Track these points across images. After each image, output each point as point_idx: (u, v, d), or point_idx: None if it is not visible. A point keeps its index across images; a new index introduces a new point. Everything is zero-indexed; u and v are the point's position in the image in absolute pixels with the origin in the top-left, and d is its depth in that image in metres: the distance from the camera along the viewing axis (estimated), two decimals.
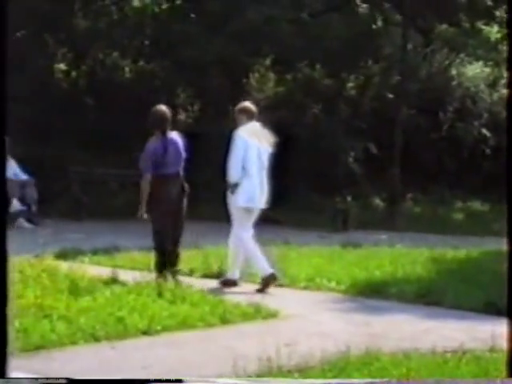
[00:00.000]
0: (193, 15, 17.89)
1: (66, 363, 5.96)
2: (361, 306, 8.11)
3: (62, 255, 10.15)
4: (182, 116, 17.46)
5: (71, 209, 15.49)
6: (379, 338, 6.47)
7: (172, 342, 6.59)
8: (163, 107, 9.01)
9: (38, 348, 6.20)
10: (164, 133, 8.82)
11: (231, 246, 9.07)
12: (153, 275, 8.63)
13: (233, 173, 8.89)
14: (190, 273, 9.42)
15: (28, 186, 14.62)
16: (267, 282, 8.72)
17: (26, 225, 14.18)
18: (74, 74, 17.70)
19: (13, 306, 6.83)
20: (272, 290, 8.71)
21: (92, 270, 8.97)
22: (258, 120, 9.07)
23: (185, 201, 8.97)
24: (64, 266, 8.74)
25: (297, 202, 15.96)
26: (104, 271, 8.89)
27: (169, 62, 17.63)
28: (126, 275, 8.90)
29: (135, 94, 17.20)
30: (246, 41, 16.77)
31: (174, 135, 8.96)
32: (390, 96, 18.03)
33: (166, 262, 8.72)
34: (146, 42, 18.28)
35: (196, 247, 10.72)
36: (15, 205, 14.29)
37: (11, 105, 15.69)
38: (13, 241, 11.11)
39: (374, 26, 18.12)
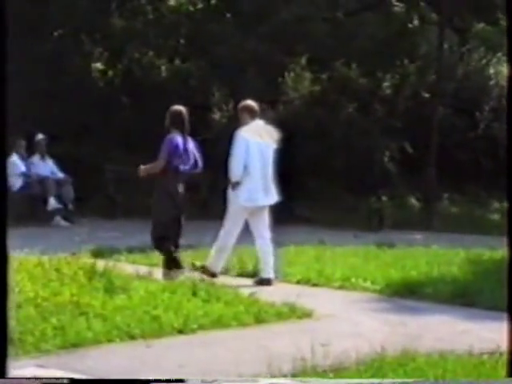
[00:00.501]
0: (228, 14, 17.91)
1: (102, 361, 5.99)
2: (396, 306, 8.07)
3: (98, 253, 10.21)
4: (216, 115, 17.48)
5: (106, 207, 15.58)
6: (415, 338, 6.43)
7: (207, 340, 6.59)
8: (181, 107, 9.20)
9: (75, 346, 6.24)
10: (182, 132, 9.05)
11: (259, 246, 9.14)
12: (188, 273, 8.67)
13: (234, 172, 9.04)
14: (225, 272, 9.43)
15: (64, 184, 14.73)
16: (205, 272, 8.89)
17: (63, 223, 14.29)
18: (110, 73, 17.78)
19: (48, 304, 6.89)
20: (307, 289, 8.69)
21: (127, 268, 9.02)
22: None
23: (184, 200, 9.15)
24: (100, 264, 8.78)
25: (332, 202, 15.91)
26: (139, 269, 8.93)
27: (204, 62, 17.66)
28: (160, 273, 8.94)
29: (170, 93, 17.25)
30: (281, 40, 16.75)
31: (190, 138, 9.15)
32: (426, 95, 17.92)
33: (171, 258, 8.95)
34: (182, 42, 18.33)
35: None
36: (52, 203, 14.40)
37: (49, 103, 15.78)
38: (50, 238, 11.25)
39: (409, 25, 18.01)
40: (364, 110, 17.22)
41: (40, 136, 14.93)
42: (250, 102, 9.30)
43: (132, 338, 6.50)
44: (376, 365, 5.74)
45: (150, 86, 17.35)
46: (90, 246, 10.54)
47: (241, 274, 9.42)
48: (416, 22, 18.25)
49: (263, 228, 9.17)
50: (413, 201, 17.41)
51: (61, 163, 14.94)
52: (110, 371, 5.64)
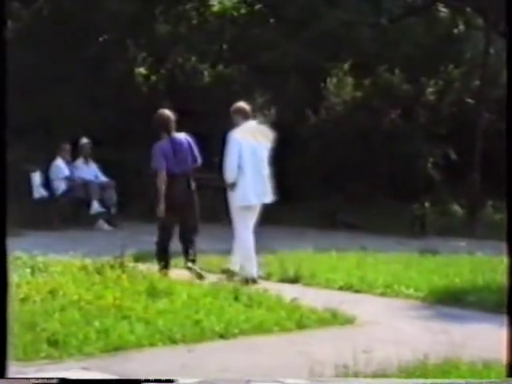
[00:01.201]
0: (271, 20, 17.93)
1: (144, 364, 6.01)
2: (439, 314, 8.00)
3: (140, 257, 10.26)
4: (259, 120, 17.49)
5: (149, 211, 15.64)
6: (458, 346, 6.35)
7: (248, 345, 6.59)
8: (167, 111, 9.58)
9: (117, 349, 6.27)
10: (169, 134, 9.37)
11: (236, 247, 9.31)
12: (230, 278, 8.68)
13: (229, 173, 9.25)
14: (267, 277, 9.42)
15: (108, 188, 14.82)
16: (247, 282, 8.86)
17: (106, 226, 14.37)
18: (153, 78, 17.90)
19: (91, 307, 6.94)
20: (349, 295, 8.65)
21: (169, 272, 9.06)
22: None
23: (194, 198, 9.40)
24: (142, 267, 8.83)
25: (374, 208, 15.84)
26: (181, 274, 8.96)
27: (247, 67, 17.70)
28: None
29: (213, 98, 17.31)
30: (325, 45, 16.73)
31: (182, 136, 9.47)
32: (471, 101, 17.76)
33: (183, 257, 9.26)
34: (225, 47, 18.39)
35: (272, 252, 10.72)
36: (95, 207, 14.50)
37: (93, 108, 15.87)
38: (92, 242, 11.32)
39: (455, 31, 17.88)
40: (407, 116, 17.14)
41: (84, 140, 15.06)
42: (242, 104, 9.50)
43: (174, 342, 6.52)
44: (418, 373, 5.69)
45: (193, 91, 17.43)
46: (132, 250, 10.58)
47: (282, 280, 9.40)
48: (461, 28, 18.11)
49: (251, 226, 9.33)
50: (456, 207, 17.25)
51: (104, 167, 15.04)
52: (151, 375, 5.66)
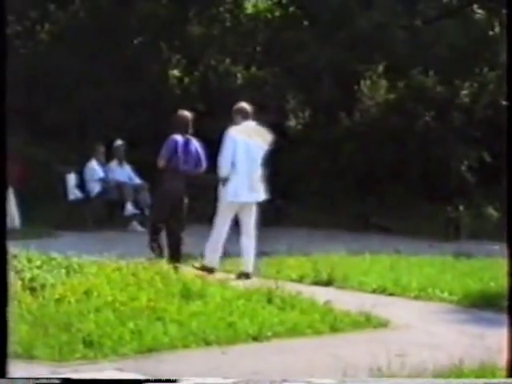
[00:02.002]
0: (305, 22, 17.90)
1: (177, 366, 6.04)
2: (474, 318, 7.93)
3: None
4: (292, 122, 17.48)
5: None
6: (494, 351, 6.30)
7: (281, 348, 6.59)
8: (186, 112, 10.10)
9: (151, 350, 6.30)
10: (184, 134, 9.85)
11: (242, 242, 9.65)
12: (262, 281, 8.66)
13: (222, 169, 9.58)
14: (300, 280, 9.41)
15: (141, 190, 14.88)
16: (204, 270, 9.31)
17: (139, 228, 14.42)
18: (186, 80, 17.95)
19: (126, 308, 6.97)
20: (383, 298, 8.61)
21: (202, 273, 9.07)
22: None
23: (185, 198, 9.84)
24: (176, 270, 8.85)
25: (408, 210, 15.75)
26: (214, 275, 8.97)
27: (280, 69, 17.69)
28: (235, 280, 8.97)
29: (246, 100, 17.31)
30: (358, 47, 16.67)
31: (193, 139, 9.94)
32: (506, 103, 17.59)
33: (169, 253, 9.68)
34: (258, 49, 18.39)
35: (305, 254, 10.70)
36: (129, 208, 14.57)
37: (127, 110, 15.95)
38: (126, 243, 11.36)
39: (490, 33, 17.72)
40: (441, 119, 17.01)
41: (118, 142, 15.14)
42: (243, 104, 9.82)
43: (207, 343, 6.54)
44: (453, 377, 5.65)
45: (226, 93, 17.44)
46: (165, 252, 10.61)
47: (315, 283, 9.38)
48: (497, 29, 17.95)
49: (249, 225, 9.63)
50: (491, 211, 17.10)
51: (138, 169, 15.11)
52: (184, 376, 5.67)
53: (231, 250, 11.12)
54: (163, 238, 9.88)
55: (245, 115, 9.68)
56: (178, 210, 9.80)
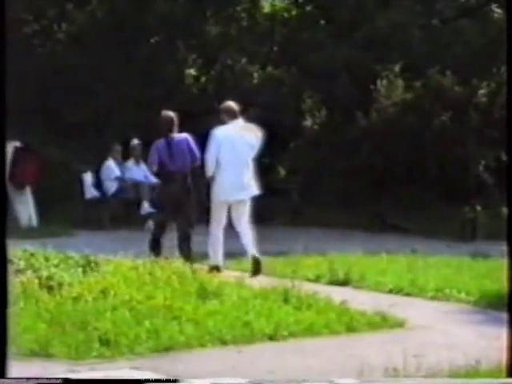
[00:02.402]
0: (322, 21, 17.87)
1: (193, 365, 6.04)
2: (491, 319, 7.89)
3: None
4: (308, 122, 17.46)
5: (198, 212, 15.70)
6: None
7: (297, 348, 6.58)
8: (170, 113, 10.20)
9: (167, 349, 6.31)
10: (168, 135, 10.02)
11: (241, 235, 9.80)
12: (278, 281, 8.66)
13: (208, 167, 9.75)
14: (316, 279, 9.39)
15: None
16: (211, 270, 9.42)
17: None
18: (203, 79, 17.97)
19: (142, 307, 6.98)
20: (400, 299, 8.58)
21: (219, 273, 9.08)
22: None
23: (191, 195, 10.06)
24: (193, 269, 8.85)
25: (425, 211, 15.70)
26: (231, 275, 8.98)
27: (296, 68, 17.67)
28: (251, 279, 8.97)
29: (262, 100, 17.31)
30: (375, 47, 16.63)
31: (182, 137, 10.10)
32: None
33: (178, 251, 9.80)
34: (275, 48, 18.38)
35: (322, 254, 10.68)
36: (145, 207, 14.60)
37: (144, 109, 15.97)
38: (143, 242, 11.36)
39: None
40: (459, 119, 16.94)
41: (135, 141, 15.18)
42: (230, 104, 9.92)
43: (223, 343, 6.54)
44: (470, 378, 5.62)
45: (243, 93, 17.44)
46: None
47: (332, 282, 9.36)
48: None
49: (242, 223, 9.77)
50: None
51: None
52: (200, 375, 5.68)
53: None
54: (166, 239, 10.10)
55: (232, 115, 9.80)
56: (182, 209, 9.96)
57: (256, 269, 9.60)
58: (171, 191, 9.99)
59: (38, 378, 5.20)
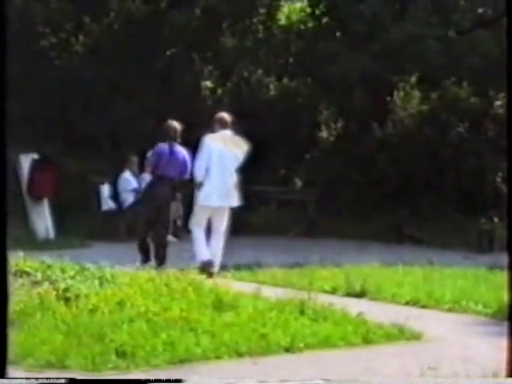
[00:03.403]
0: (338, 33, 17.90)
1: (209, 377, 6.03)
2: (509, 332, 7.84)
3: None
4: (324, 133, 17.47)
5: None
6: None
7: (314, 360, 6.55)
8: (175, 122, 10.63)
9: (183, 361, 6.30)
10: (171, 142, 10.45)
11: (212, 239, 10.21)
12: (295, 292, 8.65)
13: (196, 173, 10.12)
14: (333, 291, 9.37)
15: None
16: (204, 268, 9.77)
17: (171, 238, 14.44)
18: (219, 91, 18.02)
19: (159, 319, 6.99)
20: (416, 311, 8.55)
21: (234, 285, 9.06)
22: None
23: (174, 203, 10.68)
24: (208, 280, 8.87)
25: (441, 222, 15.67)
26: (246, 287, 8.96)
27: (312, 80, 17.69)
28: (267, 291, 8.95)
29: (278, 111, 17.34)
30: (391, 58, 16.63)
31: (182, 149, 10.50)
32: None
33: (154, 258, 10.26)
34: (291, 60, 18.42)
35: (338, 266, 10.66)
36: None
37: (159, 121, 16.01)
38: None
39: None
40: (475, 130, 16.92)
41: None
42: (222, 114, 10.34)
43: (239, 355, 6.52)
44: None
45: (259, 104, 17.48)
46: (197, 263, 10.65)
47: (348, 294, 9.34)
48: None
49: (219, 230, 10.17)
50: None
51: None
52: None
53: (262, 261, 11.17)
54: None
55: (223, 124, 10.18)
56: (163, 213, 10.33)
57: (208, 274, 9.79)
58: (161, 193, 10.32)
59: (37, 378, 5.20)
